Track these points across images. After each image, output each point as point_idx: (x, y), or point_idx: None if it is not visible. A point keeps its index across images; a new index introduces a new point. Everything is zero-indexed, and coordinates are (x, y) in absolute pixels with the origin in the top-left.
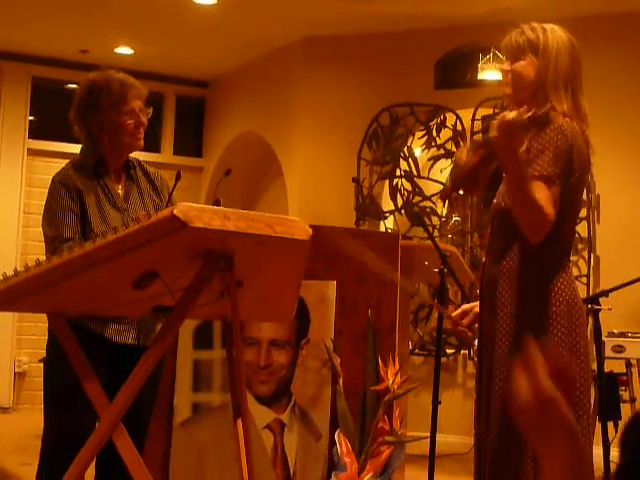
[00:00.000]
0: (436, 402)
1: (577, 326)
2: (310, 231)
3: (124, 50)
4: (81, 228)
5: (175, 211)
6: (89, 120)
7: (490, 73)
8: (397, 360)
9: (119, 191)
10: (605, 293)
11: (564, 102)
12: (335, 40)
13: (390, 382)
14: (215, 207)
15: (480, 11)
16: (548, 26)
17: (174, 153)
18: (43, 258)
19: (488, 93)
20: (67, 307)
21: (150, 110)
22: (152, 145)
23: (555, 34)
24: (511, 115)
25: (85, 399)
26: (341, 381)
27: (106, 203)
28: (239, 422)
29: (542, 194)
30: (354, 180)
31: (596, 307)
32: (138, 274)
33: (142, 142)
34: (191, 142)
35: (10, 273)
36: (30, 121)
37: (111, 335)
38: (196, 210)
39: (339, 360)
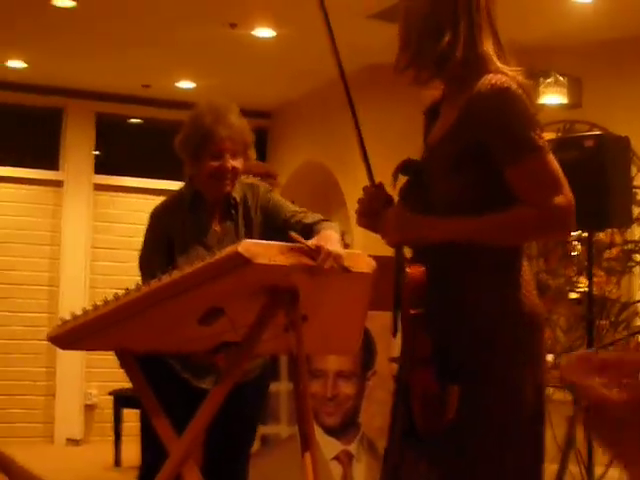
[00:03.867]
0: None
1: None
2: (374, 264)
3: (186, 84)
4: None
5: (239, 248)
6: (184, 156)
7: (551, 97)
8: None
9: (216, 228)
10: None
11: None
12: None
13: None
14: (279, 243)
15: (538, 34)
16: None
17: None
18: (111, 294)
19: (550, 117)
20: (133, 344)
21: (234, 163)
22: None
23: None
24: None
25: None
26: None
27: (194, 240)
28: (307, 454)
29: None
30: None
31: None
32: (203, 310)
33: (228, 189)
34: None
35: (79, 309)
36: (95, 156)
37: (190, 378)
38: (260, 247)
39: None
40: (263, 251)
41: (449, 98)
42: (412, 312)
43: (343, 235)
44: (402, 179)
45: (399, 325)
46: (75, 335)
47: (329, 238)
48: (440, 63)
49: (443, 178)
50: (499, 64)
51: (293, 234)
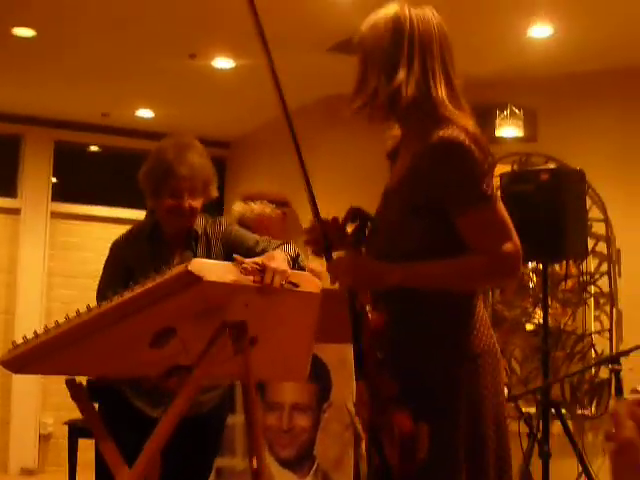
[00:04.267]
0: None
1: None
2: (320, 284)
3: (145, 113)
4: None
5: (189, 267)
6: (144, 191)
7: (507, 129)
8: None
9: (176, 259)
10: (625, 353)
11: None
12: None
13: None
14: (226, 262)
15: (495, 67)
16: (374, 12)
17: None
18: (62, 320)
19: (506, 149)
20: (85, 368)
21: (191, 202)
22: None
23: (374, 16)
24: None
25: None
26: (363, 444)
27: (153, 271)
28: None
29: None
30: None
31: (616, 367)
32: (154, 332)
33: (187, 223)
34: (213, 203)
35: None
36: (53, 184)
37: (144, 407)
38: (209, 264)
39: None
40: (212, 269)
41: (405, 142)
42: (377, 356)
43: (298, 257)
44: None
45: (361, 369)
46: (26, 358)
47: (274, 257)
48: (392, 102)
49: (398, 225)
50: (450, 108)
51: (236, 256)
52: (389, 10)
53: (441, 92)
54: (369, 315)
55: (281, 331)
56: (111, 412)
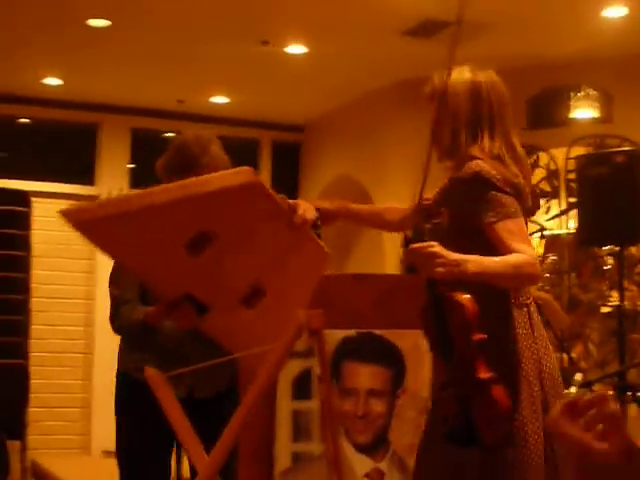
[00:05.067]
0: None
1: None
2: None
3: (219, 99)
4: (142, 290)
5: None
6: (168, 179)
7: (582, 111)
8: None
9: None
10: None
11: (481, 144)
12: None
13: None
14: None
15: (569, 49)
16: (457, 69)
17: None
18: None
19: (581, 131)
20: (128, 256)
21: None
22: None
23: (459, 75)
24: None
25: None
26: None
27: None
28: (334, 473)
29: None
30: None
31: None
32: (195, 232)
33: None
34: (288, 186)
35: None
36: (130, 170)
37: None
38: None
39: None
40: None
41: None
42: (477, 337)
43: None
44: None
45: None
46: (86, 212)
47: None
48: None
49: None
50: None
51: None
52: (465, 75)
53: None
54: (459, 299)
55: (286, 287)
56: (132, 398)
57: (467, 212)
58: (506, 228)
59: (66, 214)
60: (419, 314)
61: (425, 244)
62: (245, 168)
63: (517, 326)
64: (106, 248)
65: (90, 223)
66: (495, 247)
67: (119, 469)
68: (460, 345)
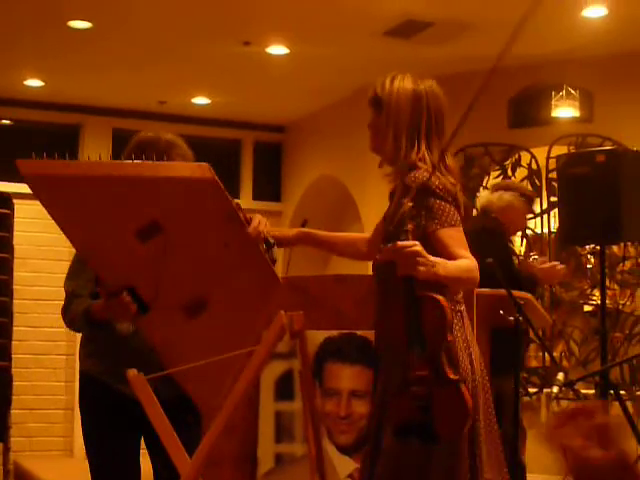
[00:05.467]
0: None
1: None
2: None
3: (201, 100)
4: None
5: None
6: None
7: (563, 110)
8: None
9: None
10: None
11: (419, 153)
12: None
13: None
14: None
15: (550, 49)
16: (399, 77)
17: (253, 198)
18: None
19: (562, 131)
20: (75, 225)
21: None
22: (231, 190)
23: (401, 84)
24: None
25: None
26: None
27: None
28: (316, 475)
29: (463, 251)
30: None
31: None
32: (145, 222)
33: None
34: (269, 187)
35: None
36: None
37: (121, 387)
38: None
39: None
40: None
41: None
42: (450, 338)
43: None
44: None
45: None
46: (44, 167)
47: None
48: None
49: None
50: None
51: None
52: (407, 84)
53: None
54: (440, 300)
55: (229, 305)
56: (92, 398)
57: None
58: (448, 235)
59: (22, 164)
60: (381, 312)
61: (409, 242)
62: (203, 164)
63: (455, 330)
64: (54, 209)
65: (45, 179)
66: (437, 254)
67: (89, 471)
68: (434, 345)
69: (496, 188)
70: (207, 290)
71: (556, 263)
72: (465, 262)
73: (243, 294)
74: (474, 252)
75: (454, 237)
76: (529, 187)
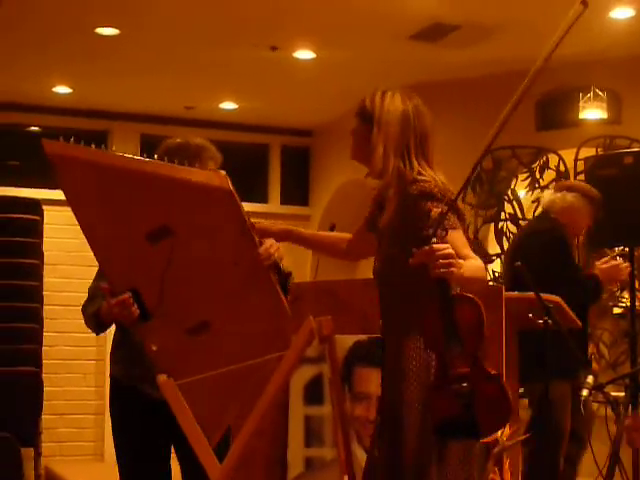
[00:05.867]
0: None
1: None
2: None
3: (228, 105)
4: None
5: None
6: None
7: (591, 112)
8: None
9: None
10: None
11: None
12: (435, 86)
13: (499, 434)
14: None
15: (577, 51)
16: (389, 94)
17: (281, 202)
18: None
19: (590, 132)
20: (90, 214)
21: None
22: (259, 195)
23: (391, 102)
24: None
25: None
26: None
27: None
28: (345, 478)
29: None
30: None
31: None
32: (157, 224)
33: None
34: (297, 191)
35: None
36: None
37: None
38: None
39: None
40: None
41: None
42: (486, 336)
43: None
44: None
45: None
46: (66, 150)
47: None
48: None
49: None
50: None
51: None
52: (397, 102)
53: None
54: (476, 299)
55: (231, 329)
56: (123, 403)
57: (413, 227)
58: (455, 237)
59: (47, 143)
60: (422, 314)
61: (444, 245)
62: (221, 172)
63: None
64: (71, 192)
65: (67, 160)
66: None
67: (119, 475)
68: (472, 343)
69: (559, 188)
70: (211, 309)
71: (618, 262)
72: (477, 262)
73: (248, 321)
74: (523, 253)
75: (460, 239)
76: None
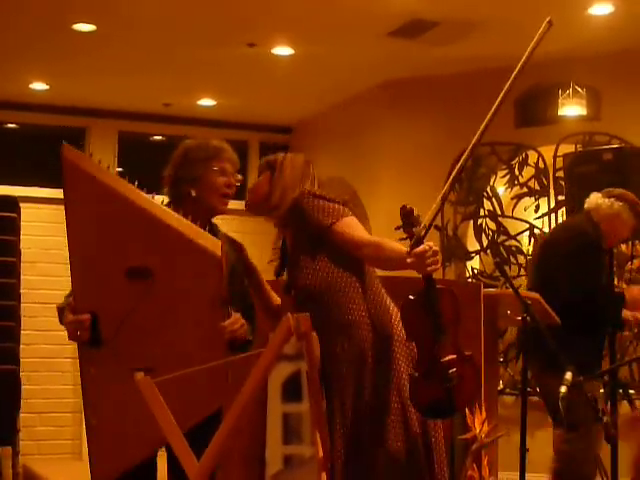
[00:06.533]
0: (524, 449)
1: None
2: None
3: (206, 102)
4: None
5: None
6: (180, 176)
7: (570, 108)
8: (484, 408)
9: None
10: None
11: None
12: (415, 82)
13: (477, 431)
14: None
15: (557, 47)
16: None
17: None
18: None
19: (569, 129)
20: (82, 223)
21: (240, 177)
22: (238, 193)
23: (290, 157)
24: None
25: None
26: None
27: None
28: (323, 474)
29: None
30: (436, 227)
31: None
32: (140, 264)
33: (227, 208)
34: None
35: None
36: (118, 173)
37: None
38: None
39: None
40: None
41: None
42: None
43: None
44: None
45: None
46: (82, 160)
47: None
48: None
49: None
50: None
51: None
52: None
53: None
54: (450, 292)
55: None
56: None
57: (309, 225)
58: (346, 225)
59: (66, 148)
60: (404, 308)
61: (431, 244)
62: (218, 242)
63: None
64: (70, 200)
65: (77, 170)
66: (340, 247)
67: None
68: (454, 331)
69: (609, 195)
70: (159, 360)
71: None
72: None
73: (189, 378)
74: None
75: (350, 225)
76: (537, 186)
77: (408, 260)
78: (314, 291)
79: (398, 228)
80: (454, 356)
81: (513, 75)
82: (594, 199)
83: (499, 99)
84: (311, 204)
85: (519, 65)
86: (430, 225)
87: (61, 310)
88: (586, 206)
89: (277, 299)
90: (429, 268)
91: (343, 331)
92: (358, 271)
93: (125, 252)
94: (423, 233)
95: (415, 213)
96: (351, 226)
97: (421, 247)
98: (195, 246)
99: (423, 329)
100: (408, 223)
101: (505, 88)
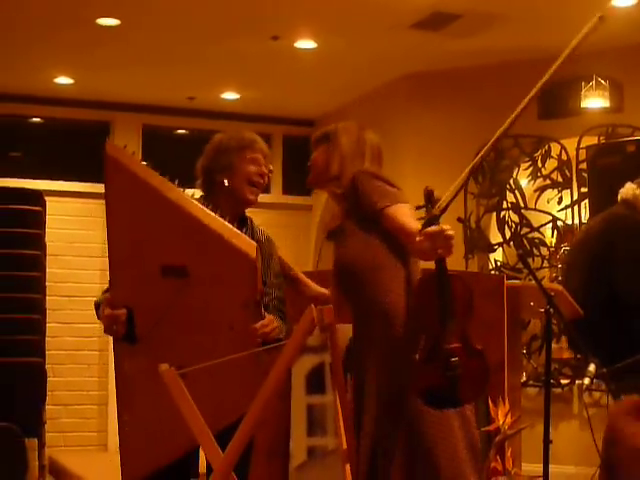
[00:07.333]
0: (547, 441)
1: None
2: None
3: (230, 95)
4: None
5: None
6: (214, 165)
7: (593, 101)
8: (507, 400)
9: None
10: None
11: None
12: (437, 75)
13: (500, 422)
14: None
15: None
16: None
17: (283, 193)
18: None
19: (592, 121)
20: (120, 223)
21: (272, 167)
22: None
23: (343, 125)
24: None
25: None
26: None
27: None
28: (347, 466)
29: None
30: (459, 220)
31: None
32: (176, 261)
33: (256, 199)
34: (300, 181)
35: None
36: None
37: None
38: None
39: None
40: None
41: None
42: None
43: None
44: None
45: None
46: (124, 156)
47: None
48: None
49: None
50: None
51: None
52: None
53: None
54: (462, 279)
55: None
56: None
57: (362, 205)
58: (400, 211)
59: (109, 146)
60: (418, 290)
61: (447, 227)
62: (253, 244)
63: None
64: (112, 197)
65: (119, 165)
66: (390, 231)
67: None
68: (464, 319)
69: None
70: (191, 359)
71: None
72: None
73: (220, 381)
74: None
75: (405, 212)
76: (560, 179)
77: (417, 239)
78: (357, 270)
79: (419, 208)
80: (459, 344)
81: (552, 69)
82: (631, 189)
83: (532, 92)
84: (368, 184)
85: (561, 57)
86: (446, 207)
87: (98, 305)
88: (622, 197)
89: (319, 288)
90: (440, 251)
91: (381, 315)
92: (403, 259)
93: (162, 250)
94: (438, 213)
95: (435, 195)
96: (405, 213)
97: (433, 227)
98: (230, 247)
99: (431, 312)
100: (428, 203)
101: (541, 81)
